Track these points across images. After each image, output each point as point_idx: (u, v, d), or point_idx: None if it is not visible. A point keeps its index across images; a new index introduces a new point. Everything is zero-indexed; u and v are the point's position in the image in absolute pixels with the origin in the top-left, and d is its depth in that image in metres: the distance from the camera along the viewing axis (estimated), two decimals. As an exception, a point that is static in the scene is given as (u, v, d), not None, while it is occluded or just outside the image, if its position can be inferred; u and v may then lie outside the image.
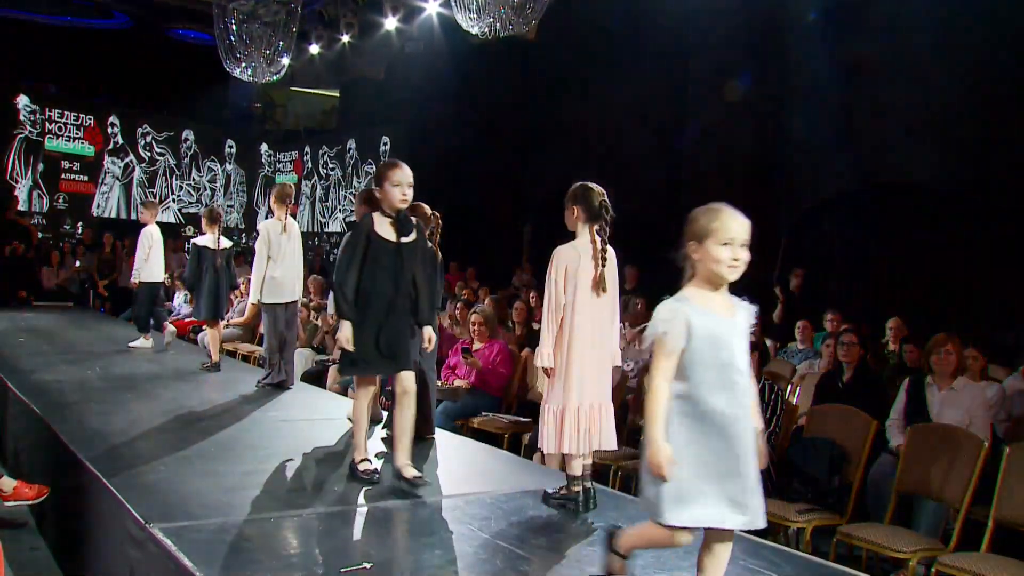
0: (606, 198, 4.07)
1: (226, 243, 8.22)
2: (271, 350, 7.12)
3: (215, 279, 7.96)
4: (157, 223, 9.10)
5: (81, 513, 4.30)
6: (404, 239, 4.30)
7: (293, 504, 3.96)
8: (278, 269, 6.95)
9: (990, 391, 5.49)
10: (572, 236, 4.10)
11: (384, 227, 4.29)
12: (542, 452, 4.38)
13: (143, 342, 8.96)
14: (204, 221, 8.26)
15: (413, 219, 4.38)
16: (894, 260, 9.21)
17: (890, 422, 5.48)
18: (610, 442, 4.06)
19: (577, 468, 4.10)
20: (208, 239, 8.03)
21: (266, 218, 6.87)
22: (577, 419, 3.95)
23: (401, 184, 4.23)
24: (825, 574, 3.54)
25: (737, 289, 2.80)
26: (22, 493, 4.72)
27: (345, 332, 4.20)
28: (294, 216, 7.58)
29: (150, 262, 8.87)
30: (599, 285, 3.99)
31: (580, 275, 3.97)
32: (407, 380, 4.32)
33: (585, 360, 3.98)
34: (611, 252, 4.06)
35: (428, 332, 4.45)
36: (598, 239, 4.02)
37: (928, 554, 4.30)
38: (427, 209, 5.45)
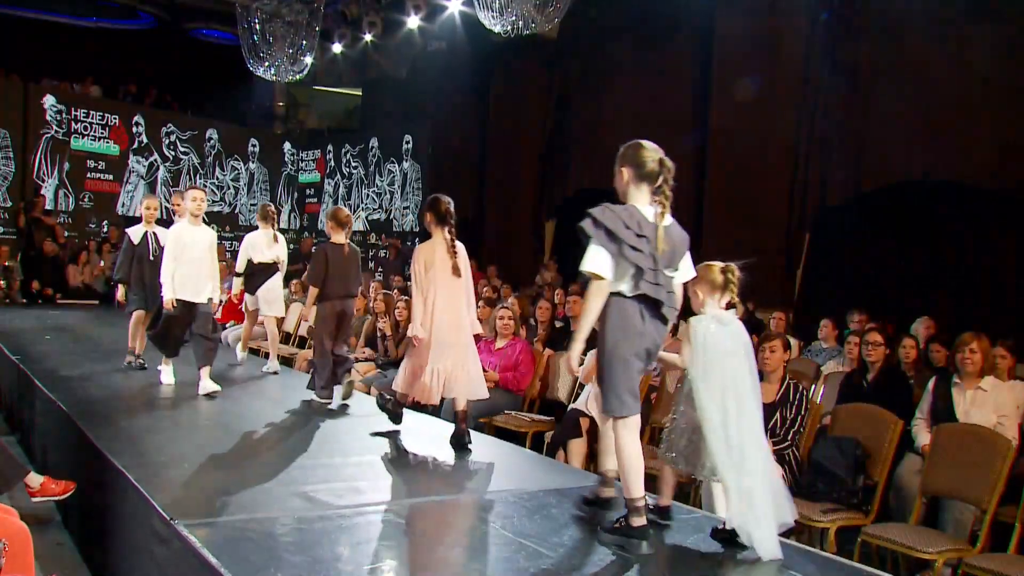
0: (451, 206, 5.21)
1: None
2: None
3: (146, 271, 7.73)
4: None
5: (106, 509, 4.33)
6: None
7: (318, 502, 3.97)
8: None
9: (1019, 391, 5.42)
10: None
11: None
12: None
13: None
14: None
15: None
16: (917, 258, 9.11)
17: (916, 422, 5.43)
18: (474, 392, 5.18)
19: (405, 399, 5.41)
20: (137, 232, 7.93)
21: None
22: (434, 376, 5.03)
23: None
24: (849, 574, 3.51)
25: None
26: (49, 489, 4.77)
27: None
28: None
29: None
30: (456, 271, 5.12)
31: (438, 265, 5.09)
32: None
33: (444, 329, 5.05)
34: (460, 245, 5.20)
35: None
36: (448, 237, 5.16)
37: (954, 555, 4.26)
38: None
